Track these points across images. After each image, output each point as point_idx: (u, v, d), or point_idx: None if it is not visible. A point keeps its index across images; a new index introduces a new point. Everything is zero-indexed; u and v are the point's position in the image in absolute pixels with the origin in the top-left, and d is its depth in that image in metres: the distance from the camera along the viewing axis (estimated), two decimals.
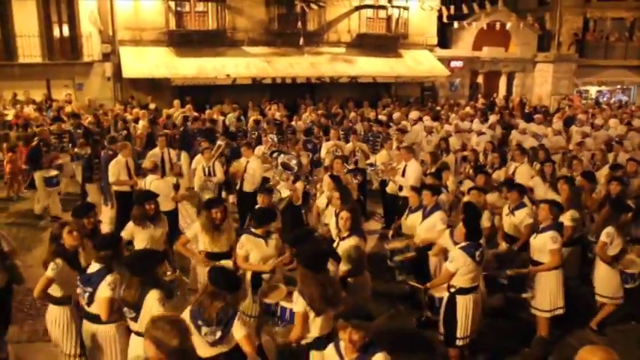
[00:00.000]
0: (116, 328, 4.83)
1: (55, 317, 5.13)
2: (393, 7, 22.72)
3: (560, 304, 6.25)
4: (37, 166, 10.91)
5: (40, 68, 19.06)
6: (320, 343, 4.46)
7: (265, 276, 5.87)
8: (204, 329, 4.14)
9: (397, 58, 23.00)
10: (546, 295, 6.22)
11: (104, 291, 4.64)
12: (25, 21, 18.58)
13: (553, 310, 6.24)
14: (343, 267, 5.66)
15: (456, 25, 23.14)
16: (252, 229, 5.95)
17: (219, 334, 4.15)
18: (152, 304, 4.37)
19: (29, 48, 18.70)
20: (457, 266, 5.44)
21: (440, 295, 5.87)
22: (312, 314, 4.47)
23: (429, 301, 6.14)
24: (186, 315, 4.23)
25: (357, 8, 22.37)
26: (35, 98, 17.67)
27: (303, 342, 4.57)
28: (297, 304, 4.52)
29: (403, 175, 9.32)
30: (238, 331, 4.17)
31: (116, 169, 9.31)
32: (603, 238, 6.54)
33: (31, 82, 18.54)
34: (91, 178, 10.61)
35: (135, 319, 4.50)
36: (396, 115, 16.74)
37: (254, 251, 5.86)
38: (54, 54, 19.45)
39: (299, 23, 20.92)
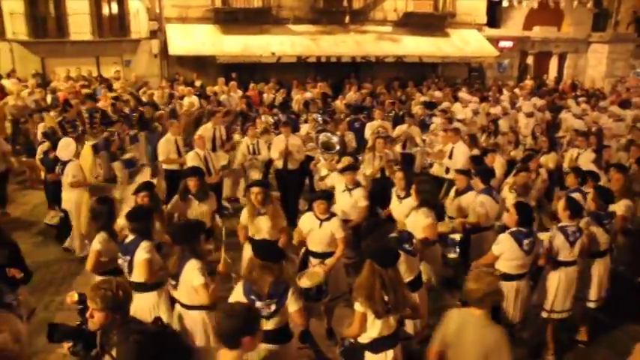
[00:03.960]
0: (158, 295, 4.96)
1: None
2: None
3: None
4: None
5: (90, 45, 19.51)
6: (376, 346, 4.23)
7: (314, 261, 5.85)
8: (257, 303, 4.14)
9: (444, 37, 22.49)
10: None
11: (141, 254, 4.79)
12: None
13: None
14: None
15: (505, 3, 22.42)
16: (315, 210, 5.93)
17: (273, 307, 4.16)
18: (192, 273, 4.44)
19: (80, 25, 19.14)
20: (501, 250, 5.34)
21: None
22: (371, 316, 4.15)
23: None
24: (239, 291, 4.26)
25: None
26: (85, 75, 18.06)
27: (360, 340, 4.31)
28: (357, 303, 4.24)
29: (450, 157, 9.14)
30: (292, 305, 4.18)
31: (165, 148, 9.38)
32: None
33: (82, 59, 19.00)
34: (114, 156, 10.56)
35: (175, 287, 4.61)
36: (437, 94, 16.41)
37: (307, 230, 5.89)
38: (103, 31, 19.83)
39: (345, 1, 20.66)
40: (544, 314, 5.85)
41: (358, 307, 4.17)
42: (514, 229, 5.40)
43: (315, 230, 5.85)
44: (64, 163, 8.02)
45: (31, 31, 19.02)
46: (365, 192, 7.13)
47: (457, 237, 6.83)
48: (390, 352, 4.25)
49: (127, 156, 10.28)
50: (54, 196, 8.65)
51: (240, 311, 3.31)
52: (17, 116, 13.34)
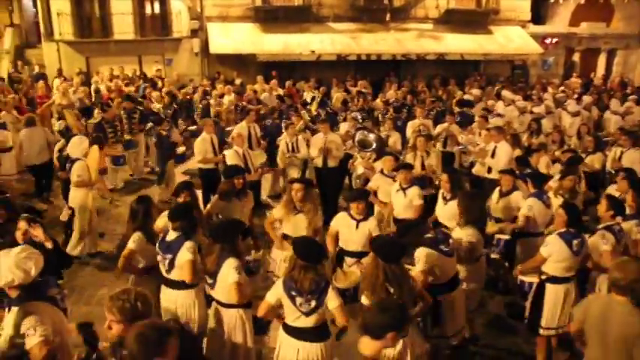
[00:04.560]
0: (195, 294, 4.92)
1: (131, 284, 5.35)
2: None
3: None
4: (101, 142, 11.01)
5: (133, 45, 19.87)
6: None
7: (350, 261, 5.77)
8: (298, 299, 4.14)
9: (487, 34, 22.03)
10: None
11: (185, 255, 4.71)
12: None
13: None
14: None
15: None
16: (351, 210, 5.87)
17: (313, 303, 4.15)
18: (229, 271, 4.42)
19: (123, 25, 19.51)
20: (550, 252, 5.18)
21: (530, 280, 5.62)
22: None
23: (518, 285, 5.89)
24: (279, 287, 4.25)
25: None
26: (128, 73, 18.39)
27: None
28: (363, 296, 4.37)
29: (493, 156, 8.90)
30: (332, 301, 4.16)
31: (202, 147, 9.36)
32: None
33: (125, 58, 19.39)
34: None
35: (213, 286, 4.59)
36: (475, 92, 16.09)
37: (341, 231, 5.82)
38: (146, 31, 20.16)
39: None
40: None
41: (364, 299, 4.33)
42: (563, 230, 5.22)
43: (352, 230, 5.78)
44: (73, 162, 7.98)
45: (77, 31, 19.48)
46: (419, 190, 6.97)
47: (504, 237, 6.65)
48: (400, 343, 4.25)
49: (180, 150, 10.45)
50: (65, 194, 8.59)
51: (393, 308, 3.41)
52: (63, 114, 13.64)
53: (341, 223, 5.89)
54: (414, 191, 6.92)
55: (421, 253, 4.93)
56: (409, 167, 7.31)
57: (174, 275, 4.85)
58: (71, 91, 14.95)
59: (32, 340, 3.43)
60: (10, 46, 20.26)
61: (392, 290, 4.17)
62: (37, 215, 5.07)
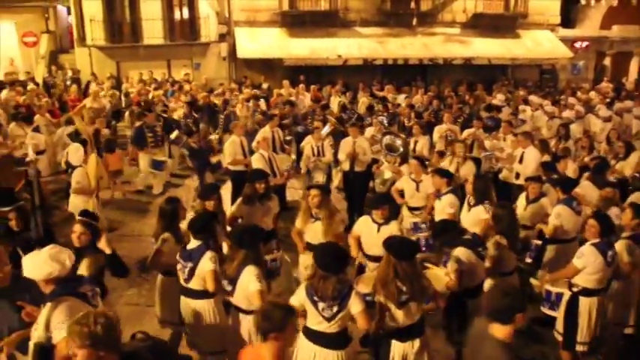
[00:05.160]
0: (215, 303, 4.91)
1: (157, 286, 5.48)
2: None
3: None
4: (142, 146, 11.09)
5: (162, 49, 20.23)
6: (402, 335, 4.37)
7: (372, 265, 5.74)
8: (320, 304, 4.12)
9: (515, 38, 21.86)
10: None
11: (207, 265, 4.70)
12: (150, 5, 19.81)
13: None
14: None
15: (583, 1, 21.52)
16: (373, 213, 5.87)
17: (335, 308, 4.12)
18: (249, 279, 4.41)
19: (153, 30, 19.86)
20: (585, 264, 5.06)
21: (558, 290, 5.52)
22: (392, 306, 4.28)
23: (545, 294, 5.78)
24: (301, 292, 4.25)
25: None
26: (157, 77, 18.68)
27: (386, 330, 4.42)
28: (377, 295, 4.38)
29: (520, 161, 8.82)
30: (355, 306, 4.12)
31: (232, 149, 9.50)
32: None
33: (154, 63, 19.72)
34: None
35: (232, 293, 4.59)
36: (500, 97, 15.95)
37: (363, 235, 5.82)
38: (174, 35, 20.49)
39: (412, 3, 20.43)
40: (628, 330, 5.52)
41: (377, 297, 4.37)
42: (597, 240, 5.11)
43: (373, 234, 5.76)
44: (74, 168, 8.04)
45: (108, 36, 19.90)
46: (454, 199, 6.85)
47: (539, 242, 6.59)
48: (417, 341, 4.39)
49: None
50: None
51: (515, 291, 3.72)
52: (94, 118, 13.92)
53: (363, 227, 5.89)
54: (449, 199, 6.85)
55: (459, 253, 4.92)
56: (449, 175, 7.22)
57: (193, 284, 4.85)
58: (102, 95, 15.25)
59: (60, 335, 3.45)
60: (45, 52, 20.88)
61: (404, 288, 4.20)
62: (92, 218, 5.13)
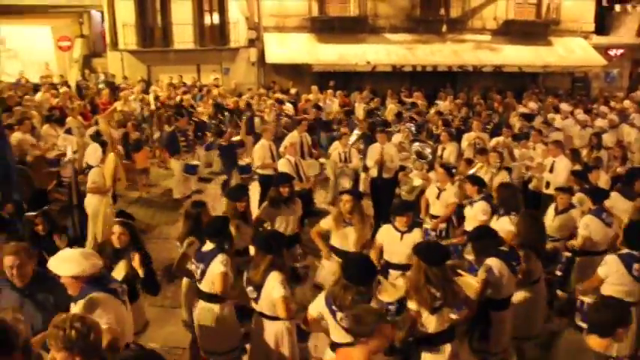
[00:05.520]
0: (222, 307, 4.89)
1: (183, 290, 5.55)
2: None
3: None
4: (175, 151, 11.19)
5: (192, 54, 20.45)
6: (434, 341, 4.31)
7: (394, 273, 5.70)
8: (338, 314, 4.06)
9: (547, 46, 21.51)
10: None
11: (217, 267, 4.72)
12: (181, 10, 20.07)
13: None
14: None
15: (617, 8, 21.09)
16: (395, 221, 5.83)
17: None
18: (274, 285, 4.40)
19: (183, 35, 20.13)
20: (607, 273, 4.98)
21: (589, 300, 5.39)
22: (425, 312, 4.23)
23: (578, 305, 5.69)
24: (321, 300, 4.20)
25: None
26: (186, 81, 18.88)
27: (417, 336, 4.36)
28: (409, 302, 4.35)
29: (551, 171, 8.67)
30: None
31: (261, 153, 9.57)
32: None
33: (184, 67, 19.94)
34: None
35: (256, 300, 4.56)
36: (531, 105, 15.72)
37: (386, 243, 5.78)
38: (204, 40, 20.70)
39: (442, 9, 20.30)
40: None
41: (410, 304, 4.35)
42: (624, 251, 5.02)
43: (395, 242, 5.72)
44: (91, 168, 8.17)
45: (140, 41, 20.22)
46: (487, 206, 6.80)
47: (569, 254, 6.49)
48: (448, 347, 4.32)
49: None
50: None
51: (615, 305, 3.60)
52: (124, 121, 14.13)
53: (385, 235, 5.85)
54: (481, 206, 6.80)
55: (492, 263, 4.84)
56: (480, 182, 7.17)
57: (203, 286, 4.88)
58: (132, 98, 15.46)
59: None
60: (79, 56, 21.33)
61: (438, 294, 4.17)
62: (129, 218, 5.19)
